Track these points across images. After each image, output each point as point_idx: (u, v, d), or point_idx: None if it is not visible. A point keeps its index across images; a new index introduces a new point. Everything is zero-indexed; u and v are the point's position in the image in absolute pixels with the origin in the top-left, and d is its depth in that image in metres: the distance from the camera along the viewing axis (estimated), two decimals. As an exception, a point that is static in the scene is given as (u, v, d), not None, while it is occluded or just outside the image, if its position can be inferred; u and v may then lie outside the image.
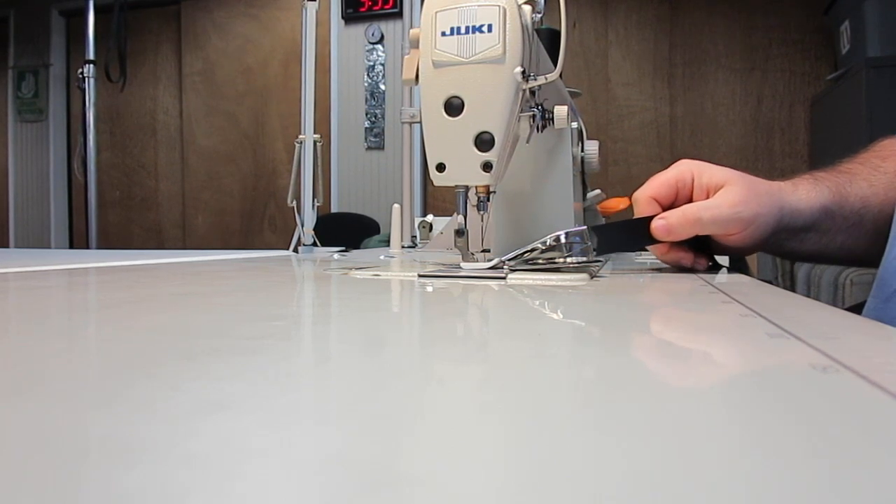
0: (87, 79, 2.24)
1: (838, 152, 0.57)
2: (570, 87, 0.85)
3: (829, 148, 2.15)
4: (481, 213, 0.49)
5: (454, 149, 0.46)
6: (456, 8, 0.45)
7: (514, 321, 0.29)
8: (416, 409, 0.14)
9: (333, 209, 2.73)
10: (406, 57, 0.49)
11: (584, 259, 0.45)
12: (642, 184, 0.54)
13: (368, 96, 2.76)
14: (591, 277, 0.45)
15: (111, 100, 3.08)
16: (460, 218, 0.48)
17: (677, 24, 2.50)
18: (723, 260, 0.59)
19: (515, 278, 0.44)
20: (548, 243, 0.46)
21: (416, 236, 1.15)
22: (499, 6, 0.44)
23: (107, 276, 0.49)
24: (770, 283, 0.58)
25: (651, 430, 0.12)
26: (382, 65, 2.74)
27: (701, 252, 0.53)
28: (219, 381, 0.15)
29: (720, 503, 0.09)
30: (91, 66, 2.25)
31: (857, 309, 0.50)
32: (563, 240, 0.45)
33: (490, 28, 0.44)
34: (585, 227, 0.46)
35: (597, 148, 0.69)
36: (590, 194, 0.78)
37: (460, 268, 0.47)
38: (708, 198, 0.50)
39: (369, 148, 2.77)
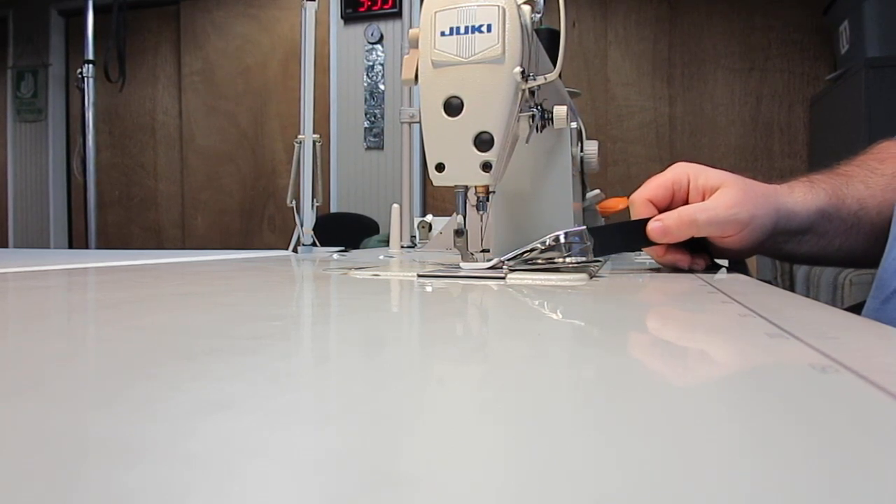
0: (86, 79, 2.24)
1: (838, 152, 0.57)
2: (569, 87, 0.85)
3: (829, 148, 2.15)
4: (481, 213, 0.49)
5: (453, 149, 0.46)
6: (455, 8, 0.45)
7: (513, 321, 0.29)
8: (415, 409, 0.14)
9: (333, 209, 2.73)
10: (405, 57, 0.49)
11: (584, 259, 0.45)
12: (642, 184, 0.54)
13: (368, 96, 2.76)
14: (591, 277, 0.45)
15: (110, 100, 3.08)
16: (459, 218, 0.48)
17: (677, 24, 2.51)
18: (722, 261, 0.59)
19: (515, 278, 0.44)
20: (547, 243, 0.46)
21: (415, 236, 1.15)
22: (498, 6, 0.44)
23: (106, 277, 0.48)
24: (769, 283, 0.58)
25: (650, 430, 0.12)
26: (382, 65, 2.74)
27: (698, 254, 0.53)
28: (219, 381, 0.15)
29: (720, 503, 0.09)
30: (90, 65, 2.26)
31: (856, 309, 0.50)
32: (562, 240, 0.45)
33: (489, 28, 0.44)
34: (584, 227, 0.46)
35: (596, 148, 0.69)
36: (589, 194, 0.78)
37: (460, 268, 0.47)
38: (704, 200, 0.51)
39: (369, 148, 2.77)
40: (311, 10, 0.99)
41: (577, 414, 0.13)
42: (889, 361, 0.18)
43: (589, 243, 0.46)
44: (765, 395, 0.15)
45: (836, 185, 0.52)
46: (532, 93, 0.48)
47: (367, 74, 2.76)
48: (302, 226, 0.95)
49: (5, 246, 3.30)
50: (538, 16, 0.46)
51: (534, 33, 0.48)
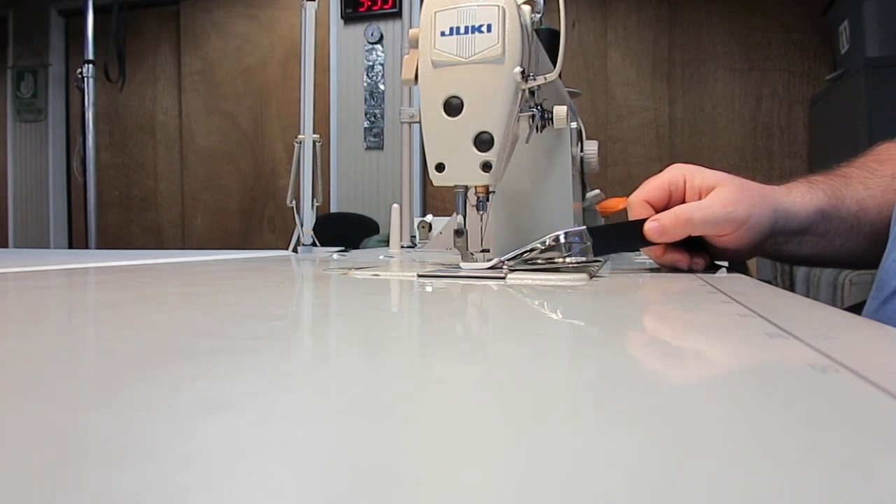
0: (86, 79, 2.24)
1: (837, 152, 0.57)
2: (569, 87, 0.85)
3: (829, 148, 2.15)
4: (480, 213, 0.49)
5: (453, 149, 0.46)
6: (455, 8, 0.45)
7: (513, 321, 0.29)
8: (415, 409, 0.14)
9: (333, 209, 2.73)
10: (405, 57, 0.49)
11: (584, 259, 0.45)
12: (641, 184, 0.54)
13: (368, 96, 2.76)
14: (591, 277, 0.45)
15: (110, 100, 3.08)
16: (459, 218, 0.48)
17: (676, 24, 2.51)
18: (722, 261, 0.59)
19: (515, 278, 0.44)
20: (547, 243, 0.46)
21: (415, 236, 1.15)
22: (498, 6, 0.44)
23: (106, 276, 0.48)
24: (769, 283, 0.58)
25: (650, 430, 0.12)
26: (382, 65, 2.74)
27: (698, 254, 0.53)
28: (219, 381, 0.15)
29: (719, 503, 0.09)
30: (90, 65, 2.25)
31: (855, 309, 0.50)
32: (562, 240, 0.45)
33: (489, 28, 0.44)
34: (584, 227, 0.46)
35: (596, 148, 0.69)
36: (589, 194, 0.78)
37: (459, 268, 0.47)
38: (700, 199, 0.51)
39: (369, 148, 2.77)
40: (311, 10, 0.99)
41: (576, 414, 0.13)
42: (889, 361, 0.18)
43: (589, 243, 0.46)
44: (764, 395, 0.15)
45: (836, 185, 0.52)
46: (532, 93, 0.48)
47: (367, 74, 2.76)
48: (302, 226, 0.95)
49: (5, 246, 3.30)
50: (538, 16, 0.46)
51: (534, 33, 0.48)
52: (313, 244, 0.96)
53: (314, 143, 0.96)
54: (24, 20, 3.31)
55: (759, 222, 0.49)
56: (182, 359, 0.18)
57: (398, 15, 2.68)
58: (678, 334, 0.26)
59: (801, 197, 0.51)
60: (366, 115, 2.76)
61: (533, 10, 0.46)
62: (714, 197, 0.49)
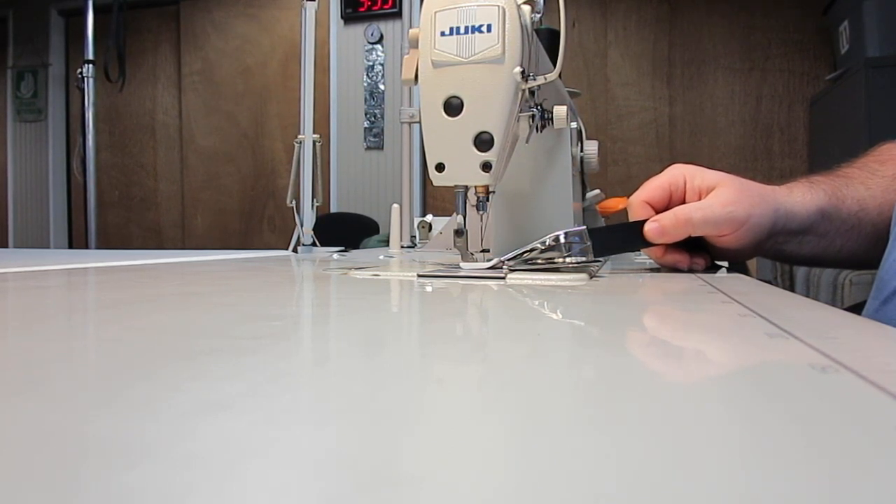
0: (86, 78, 2.24)
1: (838, 152, 0.57)
2: (569, 87, 0.85)
3: (829, 148, 2.15)
4: (480, 213, 0.49)
5: (453, 149, 0.46)
6: (455, 8, 0.45)
7: (513, 321, 0.29)
8: (415, 409, 0.14)
9: (333, 209, 2.73)
10: (405, 57, 0.49)
11: (584, 259, 0.45)
12: (642, 184, 0.54)
13: (368, 96, 2.76)
14: (591, 277, 0.45)
15: (110, 100, 3.08)
16: (459, 218, 0.48)
17: (676, 24, 2.51)
18: (722, 261, 0.59)
19: (515, 278, 0.44)
20: (547, 243, 0.46)
21: (415, 236, 1.15)
22: (498, 6, 0.44)
23: (106, 277, 0.48)
24: (769, 283, 0.58)
25: (650, 430, 0.12)
26: (382, 65, 2.74)
27: (698, 254, 0.53)
28: (219, 381, 0.15)
29: (719, 503, 0.09)
30: (90, 65, 2.26)
31: (856, 309, 0.50)
32: (562, 240, 0.45)
33: (489, 28, 0.44)
34: (584, 227, 0.46)
35: (596, 148, 0.69)
36: (589, 194, 0.78)
37: (459, 268, 0.47)
38: (700, 199, 0.51)
39: (369, 148, 2.77)
40: (311, 10, 0.99)
41: (576, 414, 0.13)
42: (889, 361, 0.18)
43: (589, 243, 0.46)
44: (764, 395, 0.15)
45: (836, 185, 0.52)
46: (532, 93, 0.48)
47: (367, 74, 2.76)
48: (302, 226, 0.95)
49: (5, 246, 3.30)
50: (538, 16, 0.46)
51: (534, 33, 0.48)
52: (313, 244, 0.96)
53: (314, 143, 0.96)
54: (24, 20, 3.31)
55: (760, 222, 0.49)
56: (182, 359, 0.18)
57: (398, 15, 2.68)
58: (678, 334, 0.26)
59: (801, 197, 0.51)
60: (366, 115, 2.77)
61: (533, 10, 0.46)
62: (714, 197, 0.49)
